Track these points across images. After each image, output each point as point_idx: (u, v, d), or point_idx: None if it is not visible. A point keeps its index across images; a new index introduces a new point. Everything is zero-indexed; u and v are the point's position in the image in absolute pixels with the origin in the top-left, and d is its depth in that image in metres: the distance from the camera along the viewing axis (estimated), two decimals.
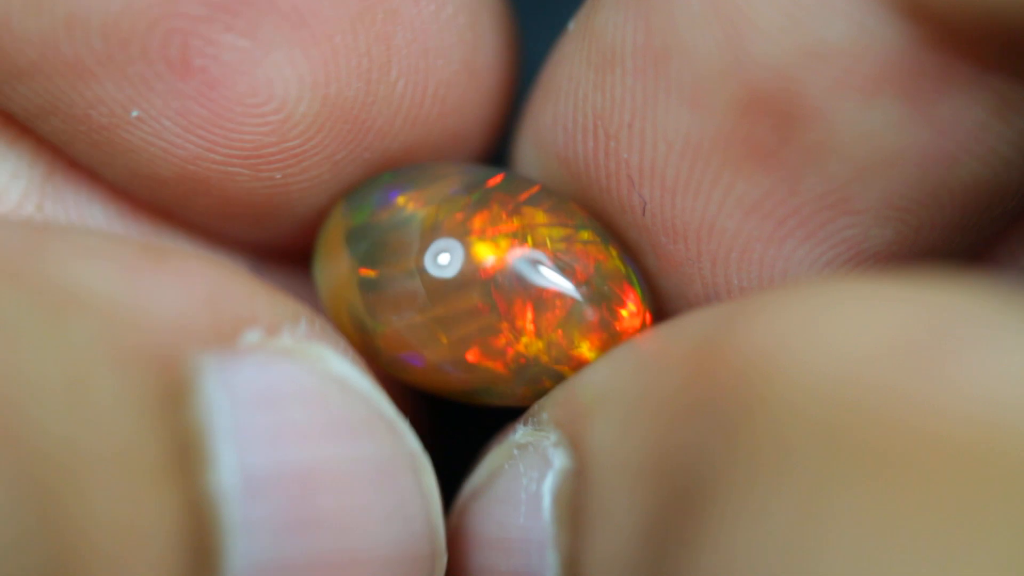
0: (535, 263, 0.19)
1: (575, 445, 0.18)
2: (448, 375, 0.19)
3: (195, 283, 0.17)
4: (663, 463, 0.15)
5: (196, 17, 0.18)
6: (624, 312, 0.19)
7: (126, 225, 0.21)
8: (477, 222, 0.19)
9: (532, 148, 0.21)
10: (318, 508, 0.16)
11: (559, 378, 0.19)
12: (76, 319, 0.15)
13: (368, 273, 0.19)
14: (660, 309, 0.20)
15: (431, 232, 0.19)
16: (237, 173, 0.20)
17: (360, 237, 0.20)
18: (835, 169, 0.18)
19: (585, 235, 0.19)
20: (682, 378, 0.16)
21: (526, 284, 0.19)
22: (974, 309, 0.14)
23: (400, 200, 0.20)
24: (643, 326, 0.19)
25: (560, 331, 0.19)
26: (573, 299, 0.19)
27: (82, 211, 0.21)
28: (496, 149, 0.22)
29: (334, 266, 0.20)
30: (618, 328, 0.19)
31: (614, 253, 0.19)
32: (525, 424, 0.19)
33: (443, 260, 0.19)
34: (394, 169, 0.20)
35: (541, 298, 0.19)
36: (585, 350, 0.19)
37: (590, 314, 0.19)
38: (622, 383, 0.17)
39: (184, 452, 0.16)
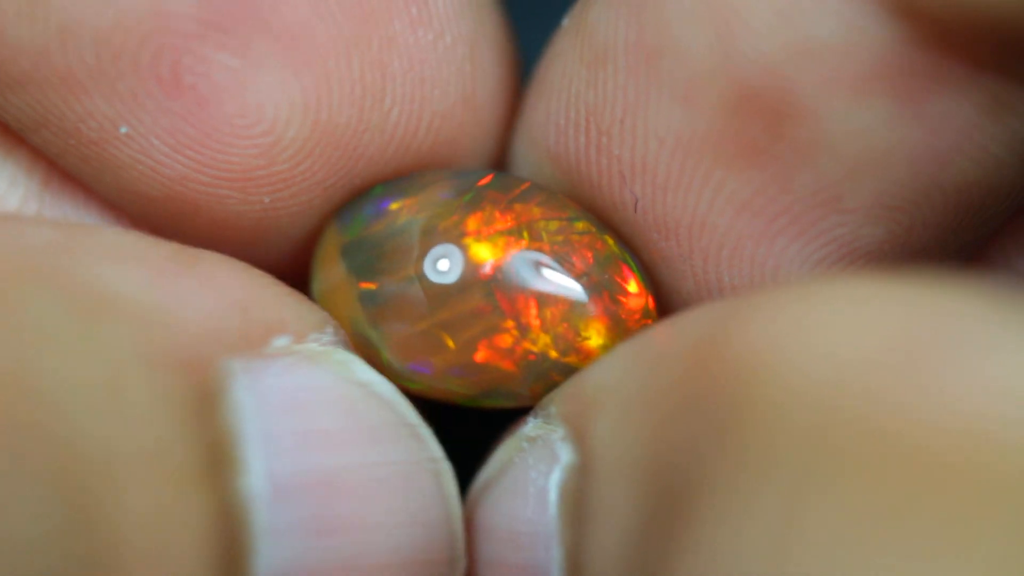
0: (534, 259, 0.19)
1: (580, 440, 0.18)
2: (458, 380, 0.19)
3: (225, 288, 0.17)
4: (656, 459, 0.15)
5: (188, 34, 0.18)
6: (625, 296, 0.19)
7: None
8: (472, 223, 0.19)
9: (525, 145, 0.21)
10: (343, 513, 0.17)
11: (569, 371, 0.19)
12: (110, 322, 0.16)
13: (368, 286, 0.19)
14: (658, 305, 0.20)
15: (428, 238, 0.19)
16: (226, 195, 0.19)
17: (356, 251, 0.20)
18: (826, 167, 0.18)
19: (580, 226, 0.19)
20: (678, 375, 0.16)
21: (527, 280, 0.19)
22: (966, 312, 0.14)
23: (393, 207, 0.20)
24: (646, 308, 0.19)
25: (565, 324, 0.19)
26: (575, 291, 0.19)
27: (80, 220, 0.21)
28: None
29: (332, 283, 0.20)
30: (622, 314, 0.19)
31: (610, 241, 0.19)
32: (535, 417, 0.19)
33: (443, 266, 0.19)
34: (384, 181, 0.20)
35: (543, 293, 0.19)
36: (592, 340, 0.19)
37: (592, 304, 0.19)
38: (622, 379, 0.17)
39: (215, 456, 0.16)
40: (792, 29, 0.17)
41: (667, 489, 0.15)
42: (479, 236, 0.19)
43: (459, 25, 0.20)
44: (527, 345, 0.19)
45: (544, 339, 0.19)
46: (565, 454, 0.18)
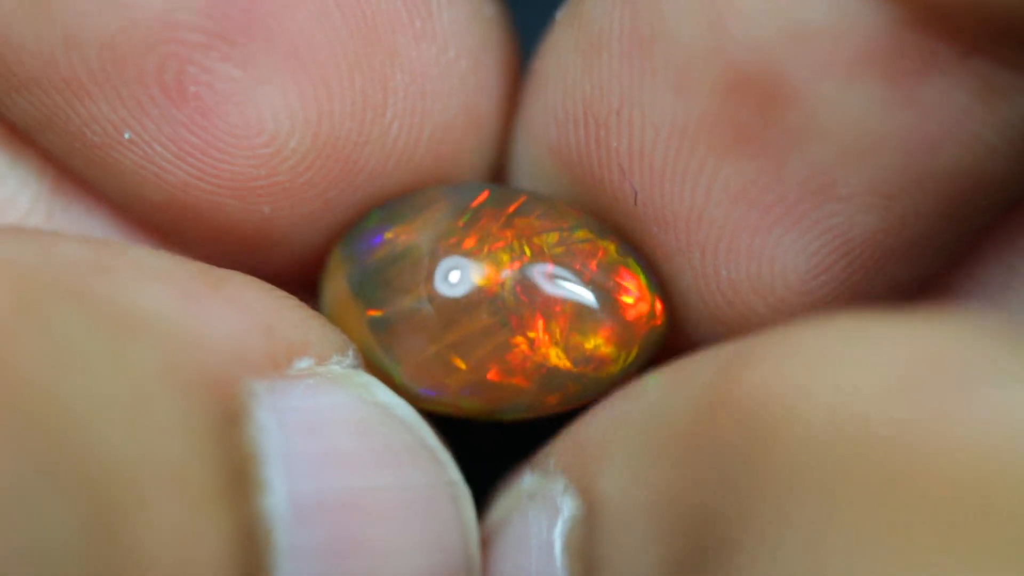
0: (537, 272, 0.19)
1: (584, 490, 0.18)
2: (472, 399, 0.19)
3: (251, 309, 0.18)
4: (677, 504, 0.15)
5: (193, 44, 0.18)
6: (629, 300, 0.19)
7: (132, 240, 0.21)
8: (472, 242, 0.19)
9: (525, 142, 0.21)
10: (363, 535, 0.17)
11: (582, 380, 0.19)
12: (138, 340, 0.16)
13: (375, 313, 0.19)
14: None
15: (430, 260, 0.19)
16: (226, 203, 0.20)
17: (360, 278, 0.20)
18: (818, 152, 0.18)
19: (580, 234, 0.19)
20: (691, 421, 0.16)
21: (531, 295, 0.19)
22: (973, 345, 0.14)
23: (388, 236, 0.20)
24: (652, 310, 0.19)
25: (573, 333, 0.19)
26: (580, 300, 0.19)
27: (91, 222, 0.21)
28: None
29: (341, 313, 0.20)
30: (628, 318, 0.19)
31: (611, 246, 0.19)
32: (532, 471, 0.19)
33: (454, 278, 0.19)
34: (380, 205, 0.20)
35: (549, 305, 0.19)
36: (602, 347, 0.19)
37: (599, 311, 0.19)
38: (630, 427, 0.17)
39: (237, 475, 0.16)
40: (783, 13, 0.17)
41: (693, 532, 0.15)
42: (480, 254, 0.19)
43: (463, 39, 0.20)
44: (538, 359, 0.19)
45: (555, 351, 0.19)
46: (567, 506, 0.18)
